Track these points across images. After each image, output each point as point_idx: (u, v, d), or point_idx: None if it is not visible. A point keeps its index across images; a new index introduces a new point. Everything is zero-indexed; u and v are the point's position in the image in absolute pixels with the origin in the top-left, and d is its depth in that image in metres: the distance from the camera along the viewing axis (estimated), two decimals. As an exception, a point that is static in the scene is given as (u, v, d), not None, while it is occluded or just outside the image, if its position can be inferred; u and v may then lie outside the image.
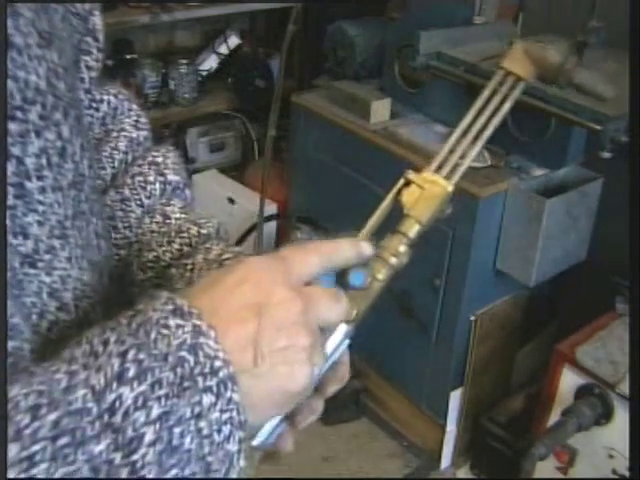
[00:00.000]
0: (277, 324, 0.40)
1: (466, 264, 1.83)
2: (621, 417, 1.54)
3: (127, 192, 0.56)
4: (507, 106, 0.53)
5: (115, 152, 0.58)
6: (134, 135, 0.59)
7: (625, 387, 1.51)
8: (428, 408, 2.09)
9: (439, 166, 0.52)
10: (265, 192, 2.25)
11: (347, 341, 0.49)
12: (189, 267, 0.52)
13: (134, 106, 0.61)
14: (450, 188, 0.52)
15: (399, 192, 0.51)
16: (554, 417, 1.67)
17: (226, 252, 0.53)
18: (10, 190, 0.40)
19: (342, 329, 0.47)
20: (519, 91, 0.53)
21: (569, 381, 1.64)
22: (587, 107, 1.58)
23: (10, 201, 0.40)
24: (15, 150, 0.40)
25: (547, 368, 1.72)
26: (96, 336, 0.38)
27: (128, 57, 2.56)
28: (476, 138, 0.53)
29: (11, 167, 0.39)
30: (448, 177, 0.52)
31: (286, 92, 2.25)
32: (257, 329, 0.39)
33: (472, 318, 1.91)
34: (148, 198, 0.56)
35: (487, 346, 1.98)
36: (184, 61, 2.69)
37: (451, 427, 2.05)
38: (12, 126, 0.39)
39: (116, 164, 0.57)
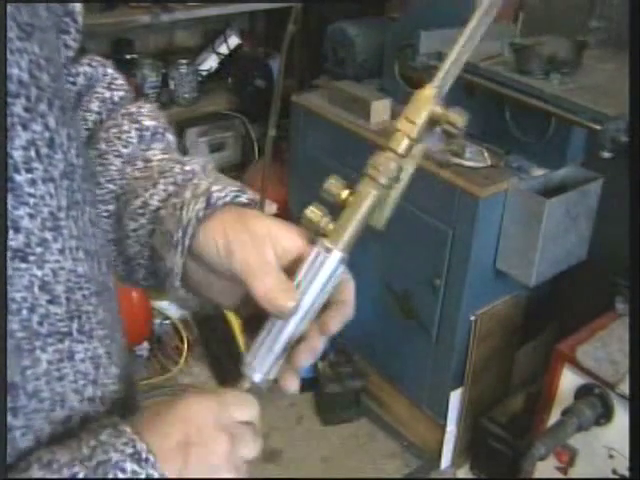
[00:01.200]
0: (202, 464, 0.45)
1: (466, 264, 1.83)
2: (621, 417, 1.54)
3: (104, 146, 0.56)
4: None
5: (87, 114, 0.57)
6: (107, 95, 0.58)
7: (625, 387, 1.51)
8: (428, 408, 2.09)
9: None
10: (265, 192, 2.25)
11: (341, 269, 0.49)
12: (178, 205, 0.51)
13: (109, 70, 0.60)
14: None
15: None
16: (554, 417, 1.67)
17: (215, 184, 0.52)
18: None
19: (335, 258, 0.48)
20: None
21: (569, 381, 1.64)
22: (587, 107, 1.58)
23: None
24: None
25: (547, 368, 1.72)
26: (66, 467, 0.41)
27: (128, 57, 2.56)
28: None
29: None
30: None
31: (286, 92, 2.25)
32: (184, 468, 0.44)
33: (472, 318, 1.91)
34: (125, 147, 0.56)
35: (487, 346, 1.98)
36: (184, 61, 2.69)
37: (451, 427, 2.05)
38: None
39: (90, 125, 0.57)
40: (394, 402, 2.22)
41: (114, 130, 0.56)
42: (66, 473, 0.41)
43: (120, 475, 0.42)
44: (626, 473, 1.57)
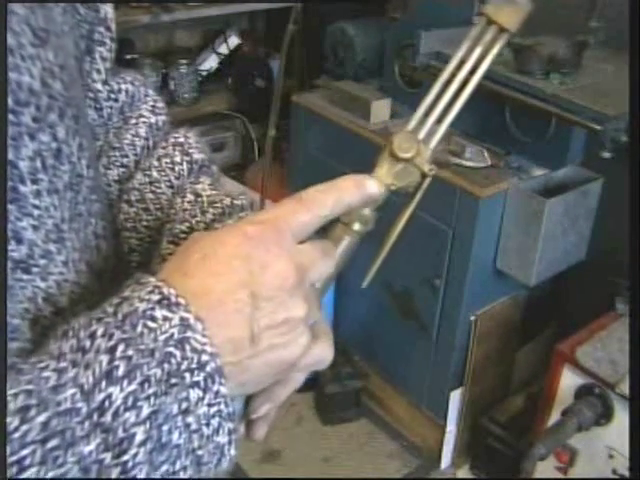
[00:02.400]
0: (272, 301, 0.40)
1: (466, 264, 1.83)
2: (621, 417, 1.54)
3: (155, 174, 0.55)
4: (489, 59, 0.52)
5: (136, 139, 0.57)
6: (153, 120, 0.58)
7: (625, 387, 1.51)
8: (428, 408, 2.09)
9: (415, 127, 0.52)
10: (265, 192, 2.25)
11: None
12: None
13: (150, 91, 0.60)
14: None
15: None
16: (554, 417, 1.67)
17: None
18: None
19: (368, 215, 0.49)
20: (503, 43, 0.51)
21: (569, 381, 1.64)
22: (587, 107, 1.58)
23: None
24: (8, 154, 0.39)
25: (547, 368, 1.72)
26: (82, 328, 0.37)
27: (128, 57, 2.56)
28: (455, 97, 0.53)
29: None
30: (425, 142, 0.51)
31: (286, 92, 2.25)
32: (252, 309, 0.39)
33: (472, 318, 1.91)
34: (177, 179, 0.55)
35: (487, 346, 1.98)
36: (184, 61, 2.69)
37: (451, 427, 2.05)
38: None
39: (138, 150, 0.57)
40: (394, 402, 2.22)
41: (166, 160, 0.56)
42: (83, 335, 0.37)
43: (151, 324, 0.37)
44: (626, 473, 1.57)
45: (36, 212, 0.41)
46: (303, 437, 2.21)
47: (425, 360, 2.03)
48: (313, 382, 2.26)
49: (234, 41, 2.85)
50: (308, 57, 2.73)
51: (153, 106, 0.59)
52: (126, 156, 0.56)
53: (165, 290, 0.38)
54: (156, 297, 0.38)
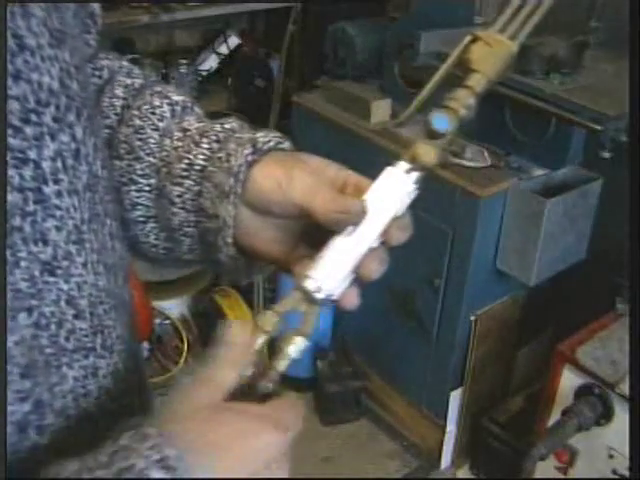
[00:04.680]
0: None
1: (466, 264, 1.83)
2: (621, 417, 1.54)
3: (138, 121, 0.55)
4: None
5: (114, 99, 0.57)
6: (129, 82, 0.58)
7: (625, 387, 1.51)
8: (428, 408, 2.09)
9: (502, 28, 0.50)
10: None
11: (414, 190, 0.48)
12: (224, 158, 0.50)
13: (125, 63, 0.61)
14: (515, 48, 0.50)
15: (465, 49, 0.49)
16: (554, 417, 1.67)
17: (259, 135, 0.51)
18: (29, 195, 0.39)
19: (405, 179, 0.47)
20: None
21: (569, 381, 1.64)
22: (587, 107, 1.58)
23: (30, 207, 0.39)
24: (31, 154, 0.39)
25: (547, 368, 1.72)
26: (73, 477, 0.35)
27: (128, 57, 2.56)
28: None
29: (29, 171, 0.39)
30: (512, 38, 0.50)
31: (286, 92, 2.25)
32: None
33: (472, 318, 1.91)
34: (160, 121, 0.55)
35: (487, 346, 1.98)
36: (184, 61, 2.69)
37: (451, 427, 2.05)
38: (27, 129, 0.38)
39: (118, 110, 0.56)
40: (394, 402, 2.22)
41: (146, 107, 0.55)
42: None
43: None
44: (626, 473, 1.57)
45: (58, 213, 0.41)
46: (303, 437, 2.20)
47: (425, 360, 2.03)
48: (313, 382, 2.26)
49: (234, 41, 2.84)
50: (308, 57, 2.73)
51: (128, 72, 0.59)
52: (108, 117, 0.56)
53: (166, 450, 0.37)
54: (156, 456, 0.36)
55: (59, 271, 0.42)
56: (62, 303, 0.42)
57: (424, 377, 2.06)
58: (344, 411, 2.22)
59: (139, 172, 0.54)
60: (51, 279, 0.41)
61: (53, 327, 0.42)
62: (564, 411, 1.59)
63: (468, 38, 0.50)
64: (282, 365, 0.46)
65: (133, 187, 0.54)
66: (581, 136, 1.81)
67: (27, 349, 0.40)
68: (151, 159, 0.54)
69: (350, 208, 0.46)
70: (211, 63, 2.83)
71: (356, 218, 0.46)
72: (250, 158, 0.49)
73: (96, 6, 0.55)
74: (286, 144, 0.52)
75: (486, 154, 1.84)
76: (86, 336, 0.44)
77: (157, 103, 0.55)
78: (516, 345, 2.10)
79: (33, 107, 0.39)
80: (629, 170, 1.31)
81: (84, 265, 0.44)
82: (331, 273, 0.46)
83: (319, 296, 0.46)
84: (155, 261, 0.59)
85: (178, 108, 0.56)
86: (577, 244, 1.87)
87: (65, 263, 0.42)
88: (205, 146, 0.52)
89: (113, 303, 0.47)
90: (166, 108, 0.55)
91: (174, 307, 2.52)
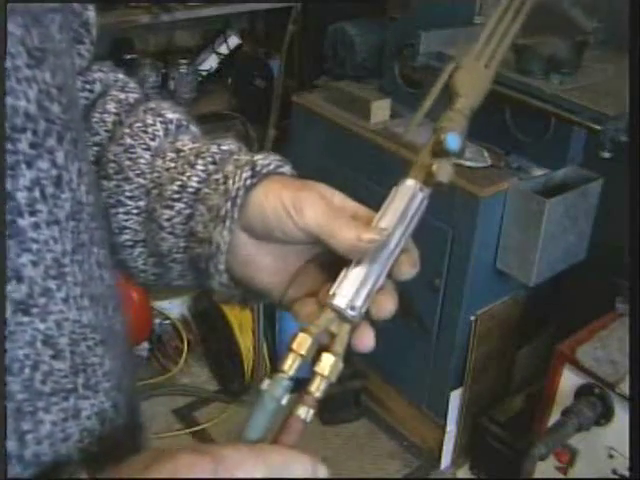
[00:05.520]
0: None
1: (466, 264, 1.83)
2: (621, 417, 1.54)
3: (129, 140, 0.52)
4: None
5: (105, 115, 0.54)
6: (122, 97, 0.55)
7: (625, 387, 1.51)
8: (428, 408, 2.09)
9: (478, 55, 0.52)
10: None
11: (425, 203, 0.48)
12: (221, 180, 0.48)
13: (120, 75, 0.58)
14: (491, 74, 0.52)
15: (450, 77, 0.51)
16: (554, 417, 1.67)
17: (258, 157, 0.49)
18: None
19: (418, 197, 0.48)
20: None
21: (569, 381, 1.64)
22: (587, 107, 1.58)
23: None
24: (7, 184, 0.36)
25: (547, 368, 1.72)
26: None
27: (128, 57, 2.56)
28: (511, 24, 0.53)
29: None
30: (486, 66, 0.52)
31: (286, 92, 2.25)
32: None
33: (472, 318, 1.91)
34: (152, 140, 0.52)
35: (487, 346, 1.98)
36: (184, 61, 2.69)
37: (451, 427, 2.05)
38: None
39: (109, 126, 0.53)
40: (394, 402, 2.22)
41: (138, 124, 0.52)
42: None
43: None
44: (626, 473, 1.57)
45: (35, 246, 0.38)
46: (303, 437, 2.20)
47: (425, 360, 2.03)
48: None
49: (234, 41, 2.85)
50: (308, 57, 2.73)
51: (122, 86, 0.56)
52: (97, 134, 0.53)
53: None
54: None
55: (35, 310, 0.39)
56: (38, 344, 0.39)
57: (424, 377, 2.06)
58: (344, 411, 2.22)
59: (128, 194, 0.51)
60: (25, 319, 0.38)
61: (27, 371, 0.39)
62: (564, 411, 1.59)
63: (451, 67, 0.52)
64: (320, 393, 0.44)
65: (121, 209, 0.51)
66: (581, 136, 1.81)
67: None
68: (141, 180, 0.51)
69: (373, 237, 0.45)
70: (211, 63, 2.84)
71: (379, 245, 0.45)
72: (249, 182, 0.47)
73: (91, 14, 0.52)
74: (286, 168, 0.50)
75: (486, 154, 1.84)
76: (65, 377, 0.41)
77: (150, 121, 0.53)
78: (516, 345, 2.10)
79: (8, 134, 0.36)
80: (629, 170, 1.31)
81: (65, 301, 0.41)
82: (359, 291, 0.46)
83: (352, 313, 0.45)
84: (145, 285, 0.56)
85: (172, 127, 0.53)
86: (577, 244, 1.87)
87: (42, 300, 0.39)
88: (200, 168, 0.50)
89: (99, 338, 0.44)
90: (159, 127, 0.53)
91: (174, 307, 2.52)
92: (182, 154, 0.51)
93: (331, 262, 0.47)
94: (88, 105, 0.54)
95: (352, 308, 0.45)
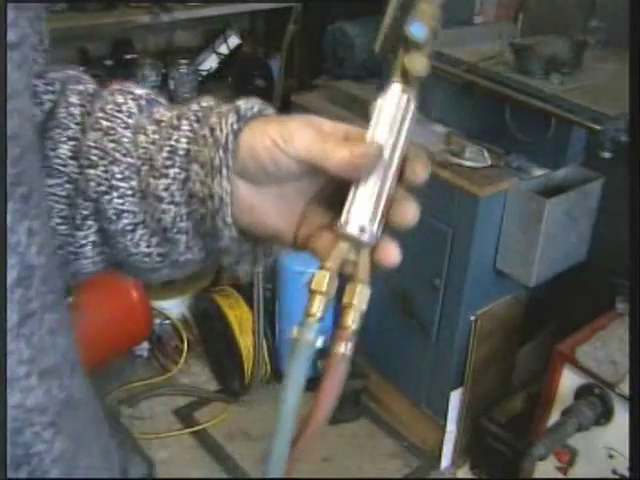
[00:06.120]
0: None
1: (466, 264, 1.83)
2: (621, 417, 1.54)
3: (106, 123, 0.49)
4: None
5: (71, 108, 0.51)
6: (81, 88, 0.52)
7: (625, 387, 1.51)
8: (428, 408, 2.09)
9: None
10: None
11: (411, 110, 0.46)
12: (208, 134, 0.46)
13: (71, 72, 0.55)
14: None
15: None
16: (554, 417, 1.67)
17: (240, 103, 0.48)
18: None
19: (403, 99, 0.46)
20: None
21: (569, 381, 1.64)
22: (587, 107, 1.58)
23: None
24: None
25: (547, 368, 1.72)
26: None
27: (128, 57, 2.56)
28: None
29: None
30: None
31: (286, 92, 2.25)
32: None
33: (472, 318, 1.91)
34: (129, 117, 0.50)
35: (487, 346, 1.98)
36: (184, 61, 2.69)
37: (451, 427, 2.05)
38: None
39: (78, 118, 0.50)
40: (394, 402, 2.22)
41: (109, 106, 0.50)
42: None
43: None
44: (626, 473, 1.57)
45: None
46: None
47: (425, 360, 2.03)
48: (313, 382, 2.26)
49: (234, 41, 2.84)
50: (308, 57, 2.73)
51: (77, 80, 0.54)
52: (68, 128, 0.50)
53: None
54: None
55: None
56: None
57: (424, 377, 2.06)
58: (344, 411, 2.22)
59: (118, 176, 0.49)
60: None
61: None
62: (564, 411, 1.59)
63: None
64: (355, 324, 0.44)
65: (115, 194, 0.49)
66: (581, 136, 1.81)
67: None
68: (129, 159, 0.49)
69: (367, 151, 0.43)
70: (211, 63, 2.83)
71: (374, 159, 0.44)
72: (236, 126, 0.46)
73: (42, 25, 0.49)
74: (270, 110, 0.49)
75: (486, 154, 1.84)
76: (7, 468, 0.37)
77: (121, 100, 0.50)
78: (516, 345, 2.10)
79: None
80: (629, 170, 1.31)
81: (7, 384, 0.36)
82: (368, 212, 0.44)
83: (365, 237, 0.44)
84: (149, 273, 0.54)
85: (143, 102, 0.51)
86: (577, 244, 1.87)
87: None
88: (186, 128, 0.48)
89: (49, 420, 0.39)
90: (132, 104, 0.50)
91: (174, 307, 2.52)
92: (163, 124, 0.49)
93: (336, 196, 0.46)
94: (52, 105, 0.52)
95: (364, 231, 0.44)
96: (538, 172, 1.84)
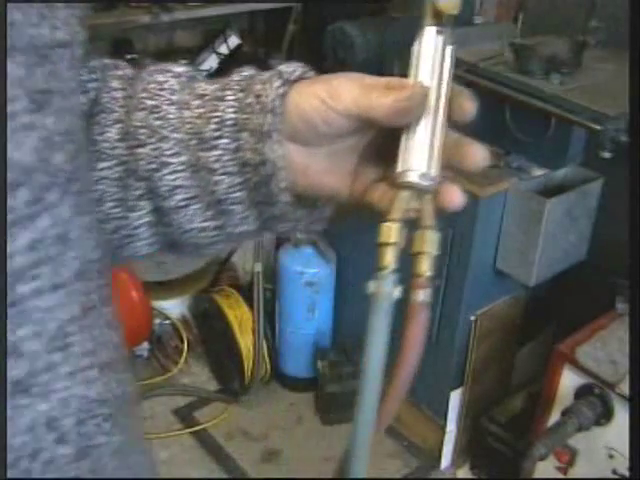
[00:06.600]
0: None
1: (466, 264, 1.83)
2: (621, 417, 1.54)
3: (150, 102, 0.49)
4: None
5: (114, 92, 0.51)
6: (120, 73, 0.53)
7: (625, 387, 1.51)
8: (428, 408, 2.09)
9: None
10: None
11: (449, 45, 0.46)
12: (254, 102, 0.46)
13: (107, 61, 0.55)
14: None
15: None
16: (554, 417, 1.67)
17: (282, 67, 0.48)
18: None
19: (440, 40, 0.46)
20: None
21: (569, 381, 1.64)
22: (587, 107, 1.58)
23: None
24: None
25: (547, 368, 1.72)
26: None
27: (128, 57, 2.56)
28: None
29: None
30: None
31: (286, 92, 2.25)
32: None
33: (472, 318, 1.91)
34: (172, 94, 0.49)
35: (487, 346, 1.98)
36: (184, 61, 2.69)
37: (451, 427, 2.05)
38: None
39: (122, 101, 0.51)
40: (394, 402, 2.22)
41: (152, 85, 0.50)
42: None
43: None
44: (626, 473, 1.57)
45: (37, 315, 0.34)
46: (303, 437, 2.21)
47: (425, 360, 2.03)
48: (313, 382, 2.26)
49: (234, 41, 2.84)
50: (308, 57, 2.73)
51: (115, 65, 0.54)
52: (114, 111, 0.50)
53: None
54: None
55: (36, 389, 0.34)
56: (39, 429, 0.34)
57: (424, 377, 2.06)
58: (344, 411, 2.22)
59: (168, 152, 0.48)
60: (24, 401, 0.33)
61: (25, 461, 0.34)
62: (564, 411, 1.59)
63: None
64: (430, 270, 0.45)
65: (166, 170, 0.49)
66: (581, 136, 1.81)
67: None
68: (176, 135, 0.48)
69: (412, 93, 0.43)
70: (211, 63, 2.83)
71: (420, 100, 0.44)
72: (282, 90, 0.46)
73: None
74: (311, 72, 0.49)
75: (486, 154, 1.84)
76: (69, 463, 0.37)
77: (162, 79, 0.51)
78: (516, 345, 2.10)
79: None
80: (629, 170, 1.31)
81: (71, 375, 0.36)
82: (424, 157, 0.44)
83: (426, 182, 0.44)
84: (204, 249, 0.53)
85: (184, 79, 0.51)
86: (577, 244, 1.87)
87: (45, 377, 0.34)
88: (231, 98, 0.48)
89: (108, 412, 0.40)
90: (173, 81, 0.50)
91: (174, 307, 2.52)
92: (207, 97, 0.49)
93: (385, 149, 0.46)
94: (96, 92, 0.52)
95: (424, 177, 0.44)
96: (538, 172, 1.84)
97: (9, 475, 0.34)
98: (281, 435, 2.19)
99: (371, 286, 0.43)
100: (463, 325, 1.91)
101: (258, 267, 2.22)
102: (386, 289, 0.43)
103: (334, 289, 2.23)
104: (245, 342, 2.25)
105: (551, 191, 1.78)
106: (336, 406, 2.21)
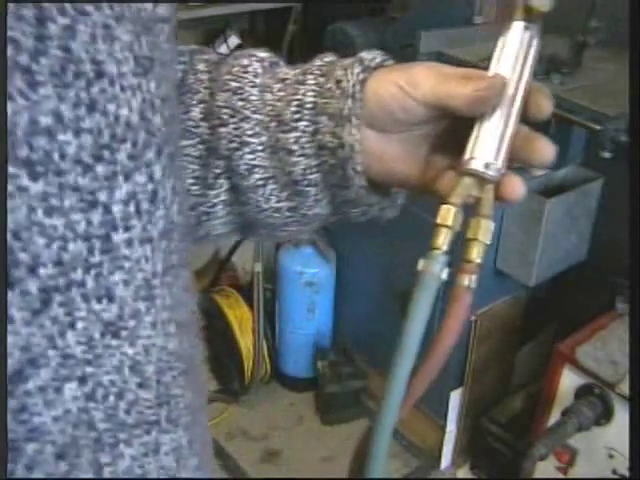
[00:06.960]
0: None
1: (466, 264, 1.82)
2: (621, 417, 1.54)
3: (234, 84, 0.51)
4: None
5: (199, 74, 0.54)
6: (206, 57, 0.55)
7: (625, 387, 1.51)
8: (428, 408, 2.09)
9: None
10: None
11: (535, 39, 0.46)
12: (334, 87, 0.48)
13: (193, 46, 0.59)
14: None
15: None
16: (554, 417, 1.67)
17: (363, 54, 0.50)
18: (95, 244, 0.34)
19: (526, 36, 0.46)
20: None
21: (569, 381, 1.64)
22: (587, 107, 1.58)
23: (95, 257, 0.34)
24: (102, 196, 0.34)
25: (547, 368, 1.72)
26: None
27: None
28: None
29: (97, 216, 0.33)
30: None
31: (286, 92, 2.25)
32: None
33: (472, 318, 1.91)
34: (256, 77, 0.52)
35: (487, 346, 1.98)
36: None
37: (451, 427, 2.05)
38: (99, 168, 0.33)
39: (206, 83, 0.53)
40: (394, 402, 2.22)
41: (236, 68, 0.52)
42: None
43: None
44: (626, 473, 1.57)
45: (127, 264, 0.36)
46: (303, 437, 2.21)
47: (425, 360, 2.03)
48: (313, 382, 2.26)
49: (234, 41, 2.84)
50: (308, 57, 2.73)
51: (200, 50, 0.57)
52: (198, 92, 0.53)
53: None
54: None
55: (124, 332, 0.36)
56: (125, 370, 0.37)
57: (424, 377, 2.06)
58: (344, 411, 2.22)
59: (249, 132, 0.50)
60: (114, 342, 0.36)
61: (112, 399, 0.36)
62: (564, 411, 1.59)
63: None
64: (479, 258, 0.46)
65: (246, 149, 0.50)
66: (581, 136, 1.81)
67: (71, 425, 0.35)
68: (258, 116, 0.50)
69: (491, 84, 0.44)
70: (211, 63, 2.84)
71: (498, 91, 0.44)
72: (362, 76, 0.48)
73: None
74: (390, 61, 0.51)
75: (486, 154, 1.84)
76: (150, 408, 0.39)
77: (246, 62, 0.53)
78: (516, 345, 2.10)
79: (107, 142, 0.34)
80: (629, 170, 1.31)
81: (153, 325, 0.38)
82: (493, 148, 0.44)
83: (490, 173, 0.44)
84: (277, 230, 0.55)
85: (267, 64, 0.54)
86: (577, 244, 1.87)
87: (132, 323, 0.36)
88: (312, 82, 0.50)
89: (183, 368, 0.41)
90: (257, 65, 0.53)
91: (174, 307, 2.51)
92: (288, 81, 0.51)
93: (458, 138, 0.47)
94: (183, 74, 0.55)
95: (489, 167, 0.44)
96: (538, 172, 1.84)
97: (104, 406, 0.36)
98: (281, 435, 2.19)
99: (420, 264, 0.44)
100: (463, 325, 1.91)
101: (258, 267, 2.22)
102: (435, 269, 0.45)
103: (334, 289, 2.23)
104: (245, 342, 2.25)
105: (551, 191, 1.78)
106: (336, 406, 2.21)
